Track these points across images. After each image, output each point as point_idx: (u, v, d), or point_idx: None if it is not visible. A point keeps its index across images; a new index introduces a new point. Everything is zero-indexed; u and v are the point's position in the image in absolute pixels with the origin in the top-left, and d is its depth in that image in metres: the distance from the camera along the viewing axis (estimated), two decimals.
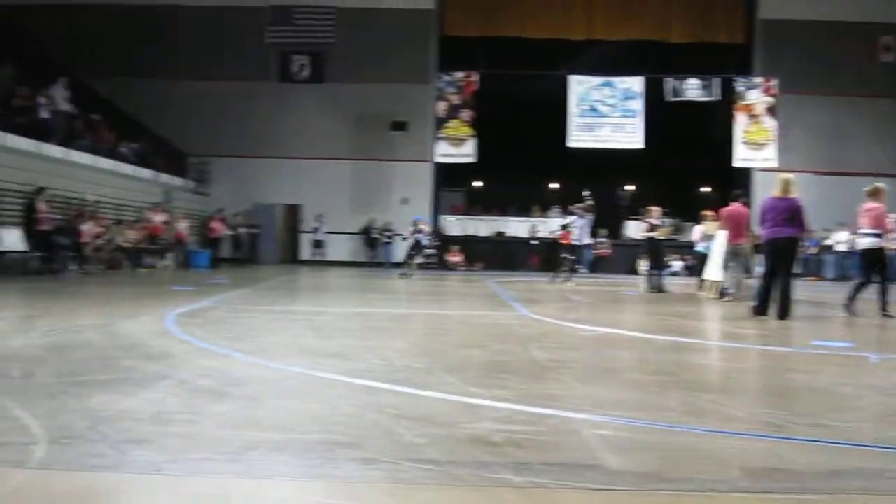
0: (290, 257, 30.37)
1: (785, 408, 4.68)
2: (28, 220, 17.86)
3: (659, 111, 29.94)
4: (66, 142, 20.96)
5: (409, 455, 3.35)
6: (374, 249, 29.47)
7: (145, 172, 25.44)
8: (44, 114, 20.37)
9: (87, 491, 2.86)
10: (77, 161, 21.05)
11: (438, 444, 3.54)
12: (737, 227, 14.36)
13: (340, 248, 30.04)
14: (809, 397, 5.08)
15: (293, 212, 30.52)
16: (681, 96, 29.79)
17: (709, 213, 17.08)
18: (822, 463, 3.42)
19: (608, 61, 30.18)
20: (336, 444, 3.52)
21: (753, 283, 14.54)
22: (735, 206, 14.52)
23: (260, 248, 29.34)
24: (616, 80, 30.02)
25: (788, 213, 10.86)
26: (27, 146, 18.97)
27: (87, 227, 19.39)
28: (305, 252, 30.06)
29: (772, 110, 29.63)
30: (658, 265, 17.59)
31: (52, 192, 18.95)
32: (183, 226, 22.96)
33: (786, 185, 11.02)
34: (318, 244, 29.08)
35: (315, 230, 29.25)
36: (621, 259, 28.80)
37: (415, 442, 3.58)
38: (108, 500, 2.80)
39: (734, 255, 14.43)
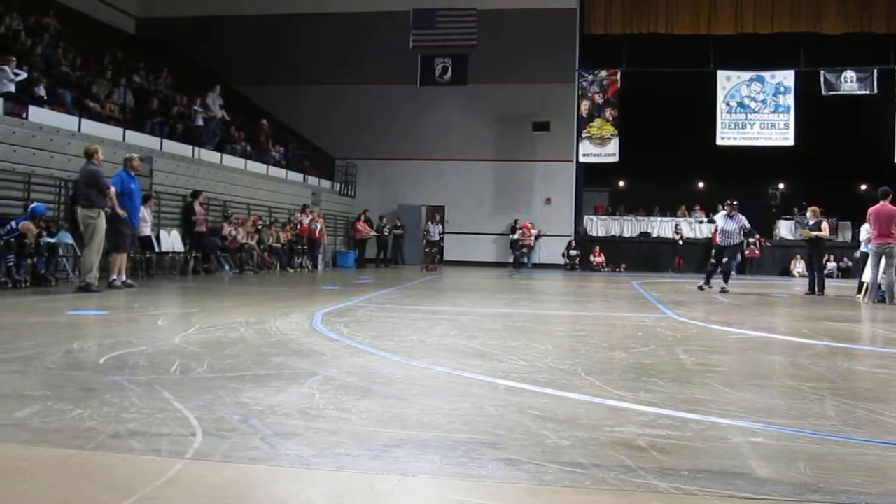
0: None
1: None
2: (185, 222, 18.74)
3: (812, 106, 28.81)
4: (221, 147, 21.89)
5: (552, 457, 3.33)
6: (518, 250, 29.50)
7: (295, 175, 26.28)
8: (199, 121, 21.33)
9: (239, 483, 2.97)
10: (230, 165, 21.94)
11: (582, 447, 3.51)
12: (884, 226, 13.70)
13: (484, 248, 30.23)
14: None
15: (437, 213, 30.92)
16: (836, 90, 28.53)
17: None
18: None
19: (758, 56, 29.21)
20: (480, 443, 3.54)
21: None
22: (883, 205, 13.85)
23: (404, 249, 29.82)
24: (766, 74, 29.05)
25: None
26: (185, 151, 19.91)
27: (239, 229, 20.18)
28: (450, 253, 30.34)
29: None
30: (818, 266, 16.92)
31: (208, 195, 19.81)
32: (318, 227, 23.49)
33: None
34: (431, 245, 28.71)
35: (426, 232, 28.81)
36: (772, 260, 27.87)
37: (559, 444, 3.56)
38: (259, 493, 2.90)
39: (882, 256, 13.77)
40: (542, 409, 4.30)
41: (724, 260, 17.04)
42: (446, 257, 30.29)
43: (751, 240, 21.29)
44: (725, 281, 16.92)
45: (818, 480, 3.11)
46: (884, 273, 13.85)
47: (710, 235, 28.04)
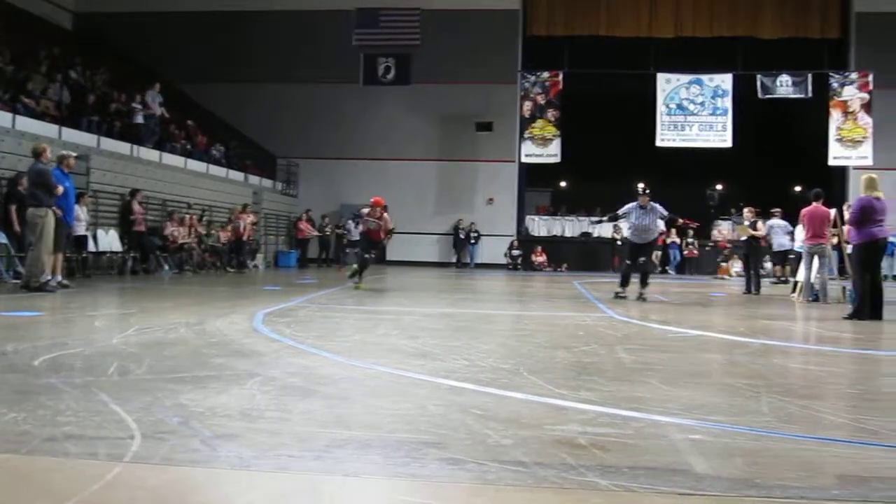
0: (378, 258, 30.63)
1: (883, 414, 4.53)
2: (123, 222, 18.44)
3: (749, 109, 29.32)
4: (160, 145, 21.57)
5: (495, 456, 3.34)
6: (461, 250, 29.58)
7: (236, 174, 26.02)
8: (139, 118, 21.00)
9: (179, 485, 2.93)
10: (170, 164, 21.64)
11: (525, 446, 3.53)
12: (816, 227, 14.03)
13: (426, 248, 30.23)
14: None
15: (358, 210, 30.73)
16: (772, 94, 29.09)
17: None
18: None
19: (696, 59, 29.66)
20: (422, 443, 3.54)
21: (842, 284, 14.18)
22: (816, 206, 14.17)
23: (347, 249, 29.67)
24: (705, 77, 29.48)
25: (885, 214, 10.74)
26: (123, 149, 19.58)
27: (180, 229, 19.92)
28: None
29: (867, 107, 28.71)
30: (754, 266, 17.22)
31: (147, 193, 19.51)
32: (242, 224, 22.94)
33: (874, 184, 10.84)
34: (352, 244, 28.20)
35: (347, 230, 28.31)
36: (710, 260, 28.32)
37: (501, 443, 3.57)
38: (199, 495, 2.87)
39: (814, 256, 14.10)
40: (484, 408, 4.32)
41: (642, 260, 14.28)
42: (388, 257, 30.25)
43: (688, 235, 21.33)
44: (644, 285, 14.06)
45: (754, 476, 3.16)
46: (817, 273, 14.16)
47: (615, 236, 28.36)
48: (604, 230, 30.09)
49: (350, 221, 27.65)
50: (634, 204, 14.15)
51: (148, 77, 24.13)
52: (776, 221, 19.95)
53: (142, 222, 18.52)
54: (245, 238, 22.91)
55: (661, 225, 16.34)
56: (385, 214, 15.68)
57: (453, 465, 3.22)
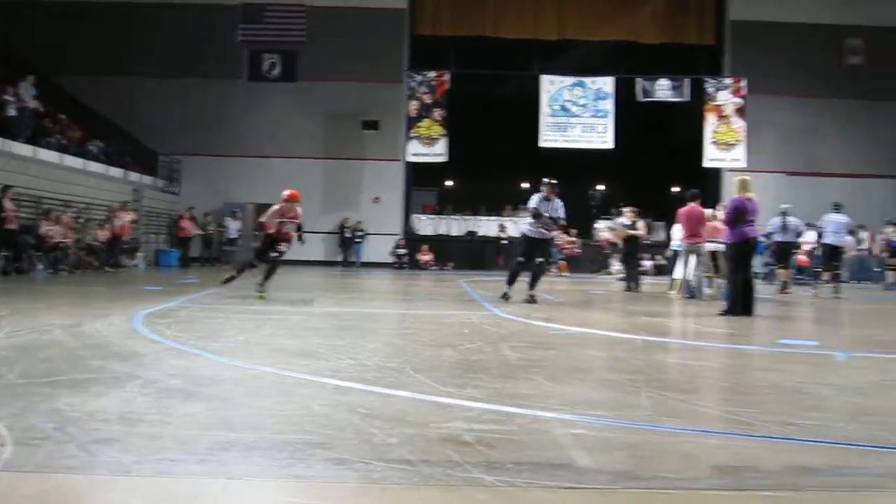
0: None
1: (755, 406, 4.71)
2: None
3: (630, 112, 30.07)
4: (34, 140, 20.73)
5: (380, 455, 3.34)
6: (347, 249, 29.40)
7: (114, 171, 25.22)
8: (11, 111, 20.13)
9: (55, 493, 2.83)
10: (45, 159, 20.84)
11: (410, 444, 3.53)
12: (693, 227, 14.52)
13: (312, 247, 29.93)
14: (778, 395, 5.13)
15: (264, 211, 30.29)
16: (651, 97, 29.93)
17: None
18: (790, 460, 3.46)
19: (579, 62, 30.28)
20: (307, 444, 3.51)
21: (718, 281, 14.70)
22: (693, 206, 14.65)
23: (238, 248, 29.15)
24: (587, 80, 30.09)
25: (757, 214, 11.22)
26: None
27: (55, 227, 19.19)
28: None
29: (741, 111, 29.85)
30: (634, 265, 17.67)
31: (19, 190, 18.73)
32: (120, 223, 22.22)
33: (747, 186, 11.29)
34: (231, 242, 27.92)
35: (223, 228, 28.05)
36: (591, 259, 28.90)
37: (387, 442, 3.57)
38: (77, 502, 2.77)
39: (691, 254, 14.59)
40: (370, 407, 4.31)
41: (539, 260, 13.26)
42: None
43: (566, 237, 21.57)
44: (533, 285, 13.02)
45: (635, 468, 3.25)
46: (694, 270, 14.64)
47: (500, 234, 28.75)
48: (490, 229, 30.41)
49: (228, 219, 27.20)
50: (540, 195, 13.04)
51: (21, 68, 23.14)
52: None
53: (13, 220, 17.74)
54: (123, 236, 22.23)
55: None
56: (299, 210, 13.68)
57: (339, 465, 3.20)
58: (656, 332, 9.09)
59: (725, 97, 30.02)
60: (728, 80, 30.22)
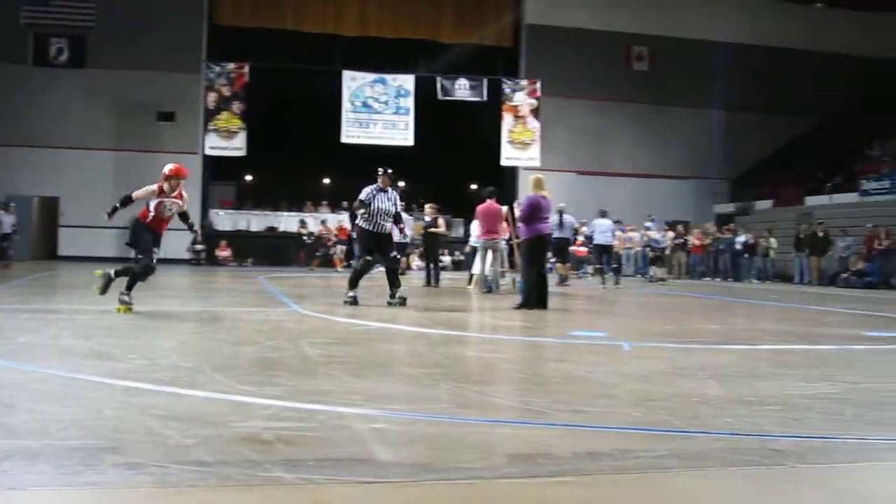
0: (48, 253, 28.55)
1: (547, 396, 4.90)
2: None
3: (430, 109, 30.54)
4: None
5: (176, 457, 3.24)
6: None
7: None
8: None
9: None
10: None
11: (207, 445, 3.45)
12: (490, 223, 14.93)
13: (105, 243, 28.54)
14: (569, 385, 5.35)
15: (51, 205, 28.68)
16: (451, 96, 30.55)
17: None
18: (580, 446, 3.62)
19: (381, 59, 30.45)
20: (98, 449, 3.35)
21: (513, 276, 15.21)
22: (490, 204, 15.05)
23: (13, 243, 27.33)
24: (389, 77, 30.34)
25: (550, 212, 11.66)
26: None
27: None
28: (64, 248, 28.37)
29: (536, 112, 30.99)
30: (434, 260, 17.95)
31: None
32: None
33: (541, 184, 11.72)
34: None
35: None
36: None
37: (183, 443, 3.47)
38: None
39: (488, 250, 15.00)
40: (165, 408, 4.17)
41: (393, 255, 12.06)
42: (63, 252, 28.31)
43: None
44: (394, 284, 11.71)
45: (434, 460, 3.31)
46: (491, 266, 15.04)
47: (301, 231, 28.59)
48: (291, 225, 30.06)
49: (3, 212, 25.29)
50: (374, 187, 11.77)
51: None
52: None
53: None
54: None
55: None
56: (184, 193, 10.46)
57: (132, 469, 3.08)
58: (455, 327, 9.28)
59: (522, 98, 31.09)
60: (524, 82, 31.32)
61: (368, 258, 11.89)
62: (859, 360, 7.10)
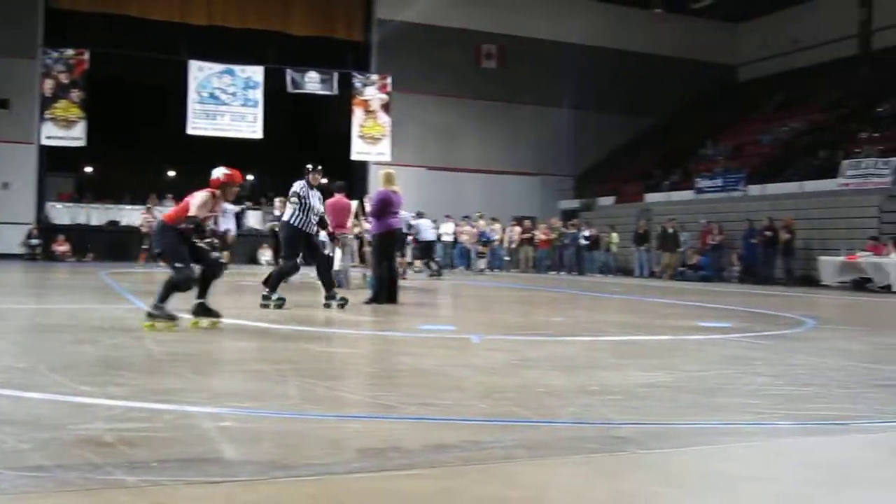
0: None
1: (397, 389, 4.94)
2: None
3: (280, 102, 30.13)
4: None
5: (11, 463, 3.09)
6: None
7: None
8: None
9: None
10: None
11: (45, 449, 3.31)
12: (339, 218, 14.87)
13: None
14: (419, 378, 5.41)
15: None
16: (301, 89, 30.20)
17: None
18: (429, 439, 3.67)
19: (230, 49, 29.75)
20: None
21: (361, 271, 15.23)
22: (339, 198, 15.00)
23: None
24: (237, 68, 29.71)
25: (401, 206, 11.72)
26: None
27: None
28: None
29: (386, 107, 31.05)
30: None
31: None
32: None
33: (392, 179, 11.77)
34: None
35: None
36: (241, 249, 28.62)
37: (18, 448, 3.31)
38: None
39: (335, 245, 14.95)
40: None
41: (326, 254, 11.85)
42: None
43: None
44: (330, 287, 10.97)
45: (283, 457, 3.29)
46: (340, 261, 14.98)
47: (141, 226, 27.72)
48: (134, 219, 28.97)
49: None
50: (305, 183, 10.79)
51: None
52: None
53: None
54: None
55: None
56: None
57: None
58: (305, 322, 9.22)
59: (372, 93, 31.08)
60: (375, 77, 31.32)
61: (298, 260, 10.89)
62: (694, 350, 7.47)
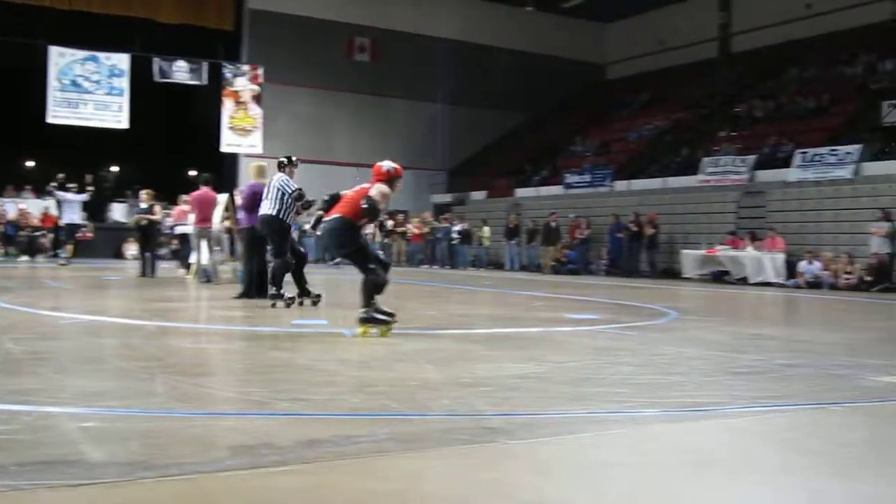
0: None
1: (268, 385, 4.88)
2: None
3: (147, 92, 29.23)
4: None
5: None
6: None
7: None
8: None
9: None
10: None
11: None
12: (204, 211, 14.61)
13: None
14: (291, 374, 5.37)
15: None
16: (169, 78, 29.33)
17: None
18: (301, 434, 3.65)
19: (93, 35, 28.60)
20: None
21: (232, 265, 14.97)
22: (205, 191, 14.72)
23: None
24: (101, 55, 28.61)
25: None
26: None
27: None
28: None
29: (258, 98, 30.54)
30: (150, 249, 17.16)
31: None
32: None
33: (263, 172, 11.61)
34: None
35: None
36: (105, 243, 27.72)
37: None
38: None
39: (202, 238, 14.68)
40: None
41: (304, 251, 11.66)
42: None
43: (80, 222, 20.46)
44: (280, 284, 10.39)
45: (149, 457, 3.20)
46: (209, 255, 14.70)
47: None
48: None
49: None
50: (286, 176, 10.81)
51: None
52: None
53: None
54: None
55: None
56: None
57: None
58: (172, 318, 9.01)
59: (243, 84, 30.52)
60: (246, 67, 30.77)
61: (290, 259, 10.66)
62: (563, 341, 7.65)
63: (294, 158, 11.00)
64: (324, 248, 8.23)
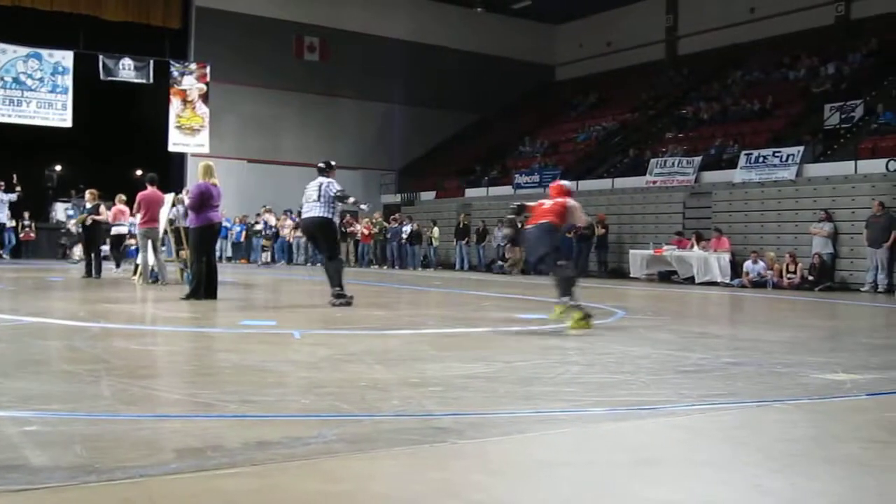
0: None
1: (217, 387, 4.84)
2: None
3: (92, 90, 28.79)
4: None
5: None
6: None
7: None
8: None
9: None
10: None
11: None
12: (151, 211, 14.43)
13: None
14: (240, 375, 5.32)
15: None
16: (114, 76, 28.90)
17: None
18: (250, 436, 3.61)
19: (37, 32, 28.08)
20: None
21: (177, 265, 14.82)
22: (152, 191, 14.55)
23: None
24: (45, 52, 28.11)
25: (221, 199, 11.45)
26: None
27: None
28: None
29: (205, 97, 30.22)
30: (95, 250, 16.90)
31: None
32: None
33: (211, 171, 11.50)
34: None
35: None
36: (48, 243, 27.26)
37: None
38: None
39: (149, 239, 14.50)
40: None
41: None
42: None
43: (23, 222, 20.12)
44: (340, 282, 10.81)
45: (95, 461, 3.15)
46: (155, 255, 14.52)
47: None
48: None
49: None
50: (333, 181, 10.93)
51: None
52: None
53: None
54: None
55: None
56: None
57: None
58: (118, 319, 8.89)
59: (190, 82, 30.20)
60: (193, 66, 30.45)
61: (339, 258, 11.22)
62: (512, 341, 7.69)
63: (333, 163, 11.18)
64: (529, 248, 8.81)
